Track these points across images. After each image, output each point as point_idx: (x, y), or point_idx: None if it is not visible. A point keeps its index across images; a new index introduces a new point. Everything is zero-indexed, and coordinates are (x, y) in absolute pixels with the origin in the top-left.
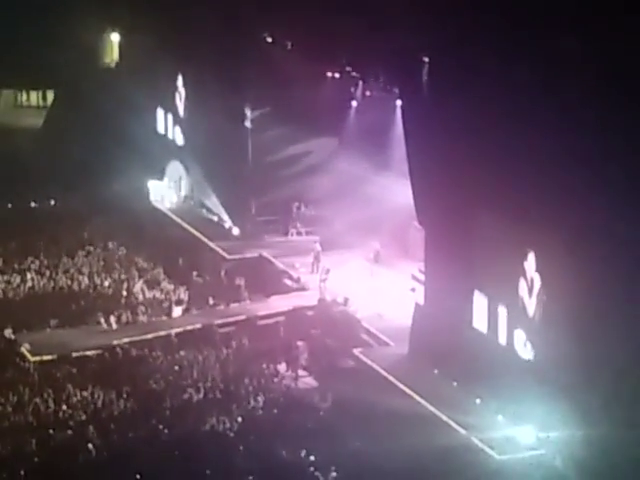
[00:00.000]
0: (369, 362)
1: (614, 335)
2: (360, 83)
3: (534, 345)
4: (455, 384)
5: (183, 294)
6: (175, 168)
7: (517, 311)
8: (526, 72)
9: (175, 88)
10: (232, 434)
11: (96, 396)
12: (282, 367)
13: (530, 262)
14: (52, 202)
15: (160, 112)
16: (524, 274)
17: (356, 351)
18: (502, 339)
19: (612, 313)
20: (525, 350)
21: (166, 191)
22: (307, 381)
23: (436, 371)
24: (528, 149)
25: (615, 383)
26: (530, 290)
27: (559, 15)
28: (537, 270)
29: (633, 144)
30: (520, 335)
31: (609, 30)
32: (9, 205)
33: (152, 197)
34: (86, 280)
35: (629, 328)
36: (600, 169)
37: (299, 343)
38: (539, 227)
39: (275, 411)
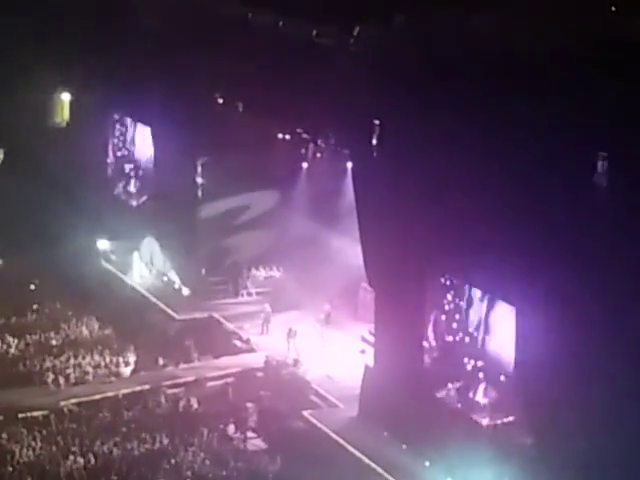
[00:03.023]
0: (318, 424)
1: (568, 394)
2: (311, 145)
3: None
4: (404, 446)
5: (132, 355)
6: (125, 227)
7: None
8: (477, 137)
9: (125, 146)
10: None
11: (42, 457)
12: (231, 429)
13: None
14: None
15: (109, 171)
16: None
17: (305, 413)
18: (451, 399)
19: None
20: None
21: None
22: (256, 443)
23: (386, 433)
24: (475, 212)
25: (563, 445)
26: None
27: (511, 80)
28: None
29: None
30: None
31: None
32: None
33: (101, 257)
34: (35, 339)
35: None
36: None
37: (248, 404)
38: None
39: (224, 473)
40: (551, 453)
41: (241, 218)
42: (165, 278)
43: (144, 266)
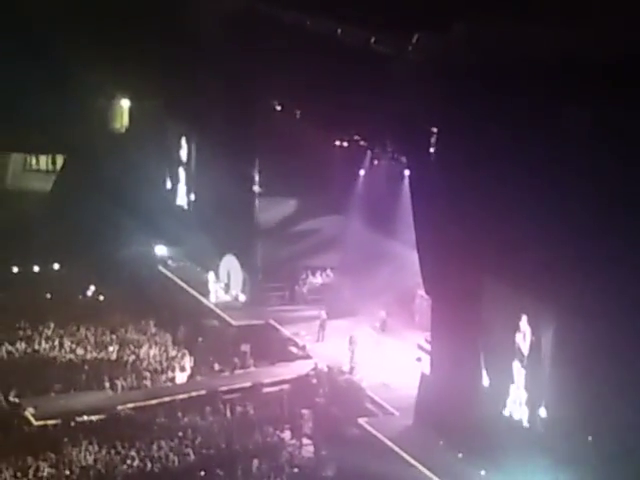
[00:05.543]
0: (374, 431)
1: (622, 404)
2: (368, 152)
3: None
4: (460, 455)
5: (188, 360)
6: (182, 234)
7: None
8: (535, 145)
9: (184, 154)
10: None
11: (99, 461)
12: (286, 435)
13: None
14: (56, 266)
15: (168, 177)
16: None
17: (361, 420)
18: (507, 410)
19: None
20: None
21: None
22: (311, 449)
23: (441, 442)
24: (533, 222)
25: (623, 454)
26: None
27: (569, 89)
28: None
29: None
30: (525, 404)
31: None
32: (14, 269)
33: (158, 263)
34: (92, 344)
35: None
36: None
37: (304, 411)
38: (537, 295)
39: (278, 479)
40: (611, 463)
41: (298, 224)
42: (223, 285)
43: (220, 287)
